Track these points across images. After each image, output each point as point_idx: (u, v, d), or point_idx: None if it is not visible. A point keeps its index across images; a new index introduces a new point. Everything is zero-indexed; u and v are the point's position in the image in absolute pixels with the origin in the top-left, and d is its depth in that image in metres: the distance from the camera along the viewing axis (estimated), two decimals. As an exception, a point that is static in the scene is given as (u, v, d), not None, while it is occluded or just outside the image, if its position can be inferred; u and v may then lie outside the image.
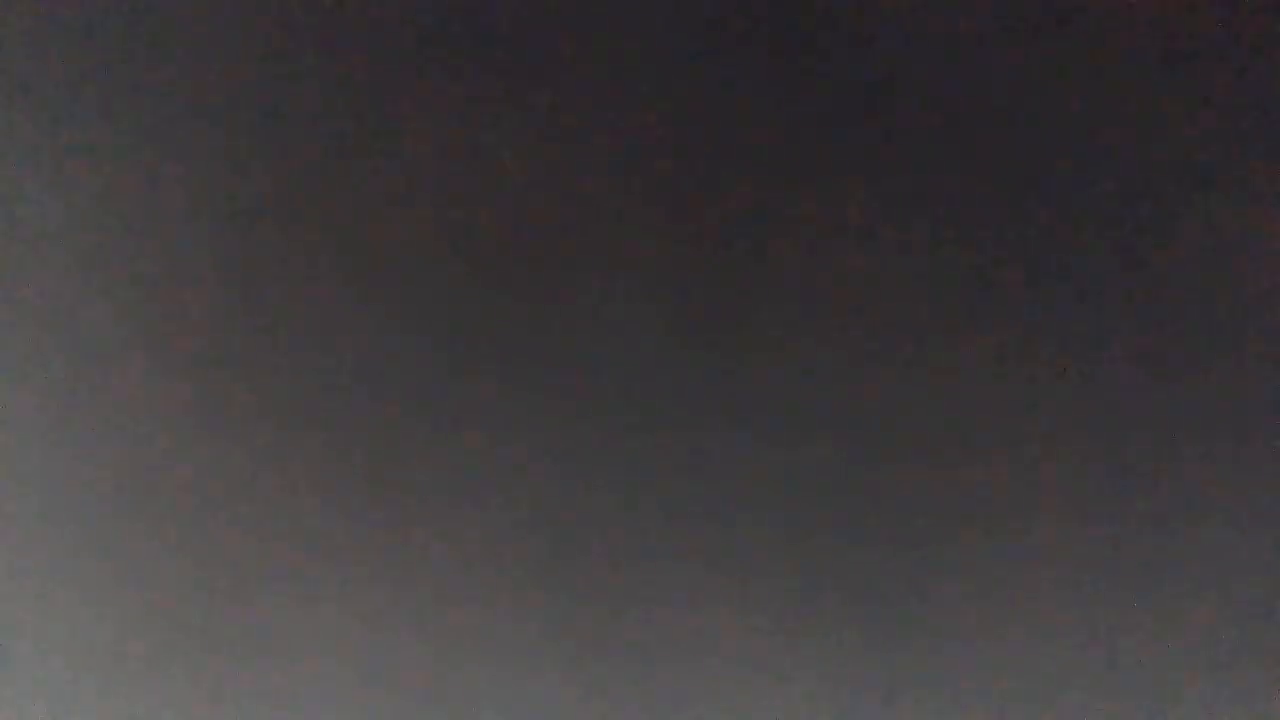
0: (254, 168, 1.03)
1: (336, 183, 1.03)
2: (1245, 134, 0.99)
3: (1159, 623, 0.98)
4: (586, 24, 1.02)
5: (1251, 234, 0.99)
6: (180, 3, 1.03)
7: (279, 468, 1.02)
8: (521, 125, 1.02)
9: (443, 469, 1.01)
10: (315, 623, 1.01)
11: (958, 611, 0.99)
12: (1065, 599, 0.99)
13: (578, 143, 1.02)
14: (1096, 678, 0.99)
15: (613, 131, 1.02)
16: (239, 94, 1.03)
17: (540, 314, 1.01)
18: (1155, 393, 0.99)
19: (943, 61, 1.00)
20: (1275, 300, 0.98)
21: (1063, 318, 0.99)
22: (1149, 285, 0.99)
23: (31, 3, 1.04)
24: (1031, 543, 0.99)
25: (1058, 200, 1.00)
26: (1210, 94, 0.99)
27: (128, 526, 1.02)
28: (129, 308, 1.02)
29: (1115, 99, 0.99)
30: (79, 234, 1.03)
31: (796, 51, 1.01)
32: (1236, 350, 0.98)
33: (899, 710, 0.99)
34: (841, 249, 1.00)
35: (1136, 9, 0.99)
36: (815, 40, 1.01)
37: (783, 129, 1.01)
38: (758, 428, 1.00)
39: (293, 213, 1.02)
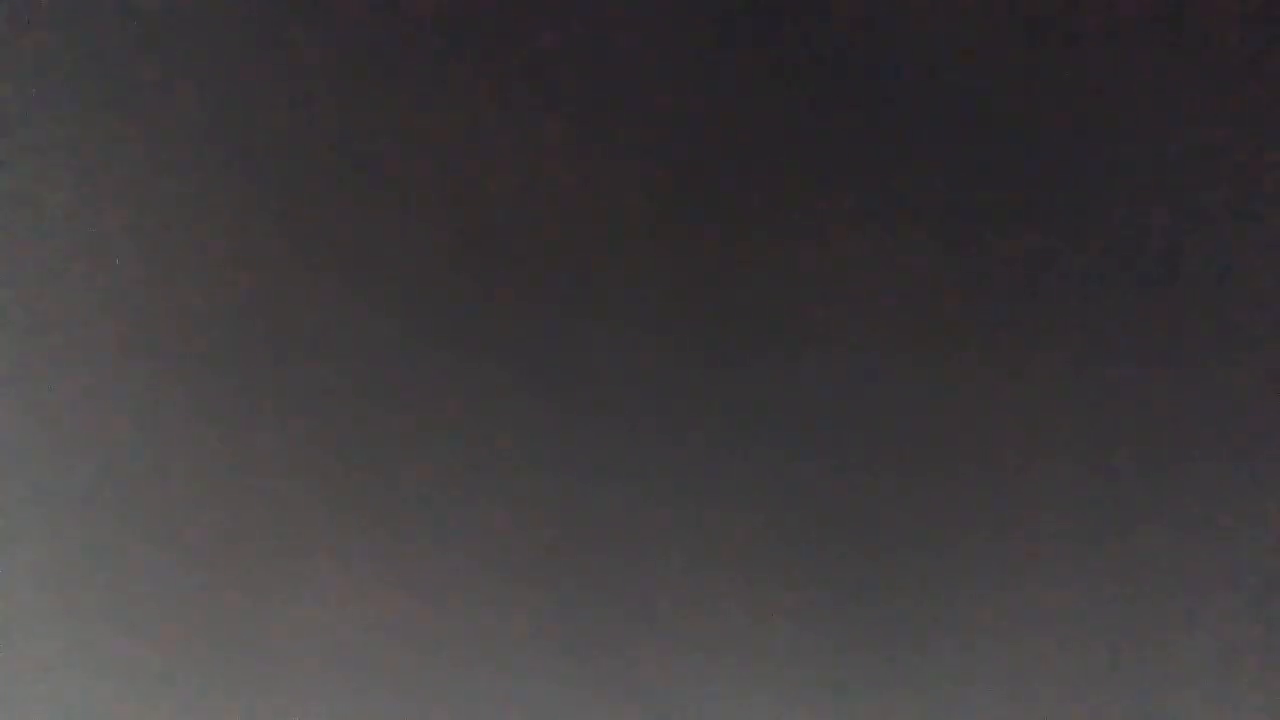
0: (255, 168, 1.03)
1: (338, 184, 1.03)
2: (1245, 134, 0.99)
3: (1160, 623, 0.98)
4: (587, 26, 1.02)
5: (1252, 234, 0.98)
6: (181, 3, 1.03)
7: (280, 468, 1.02)
8: (522, 128, 1.02)
9: (443, 469, 1.01)
10: (316, 623, 1.01)
11: (960, 612, 0.99)
12: (1067, 599, 0.99)
13: (577, 145, 1.02)
14: (1098, 678, 0.99)
15: (612, 133, 1.02)
16: (240, 94, 1.03)
17: (539, 315, 1.01)
18: (1156, 394, 0.99)
19: (944, 62, 1.00)
20: (1276, 300, 0.98)
21: (1063, 319, 0.99)
22: (1150, 286, 0.99)
23: (32, 4, 1.04)
24: (1033, 544, 0.99)
25: (1059, 201, 1.00)
26: (1211, 93, 0.99)
27: (128, 526, 1.02)
28: (129, 308, 1.02)
29: (1116, 99, 0.99)
30: (80, 233, 1.03)
31: (797, 53, 1.01)
32: (1238, 351, 0.98)
33: (900, 711, 0.99)
34: (842, 250, 1.00)
35: (1136, 9, 0.99)
36: (816, 41, 1.01)
37: (783, 130, 1.01)
38: (759, 428, 1.00)
39: (294, 214, 1.03)
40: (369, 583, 1.01)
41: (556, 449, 1.01)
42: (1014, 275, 0.99)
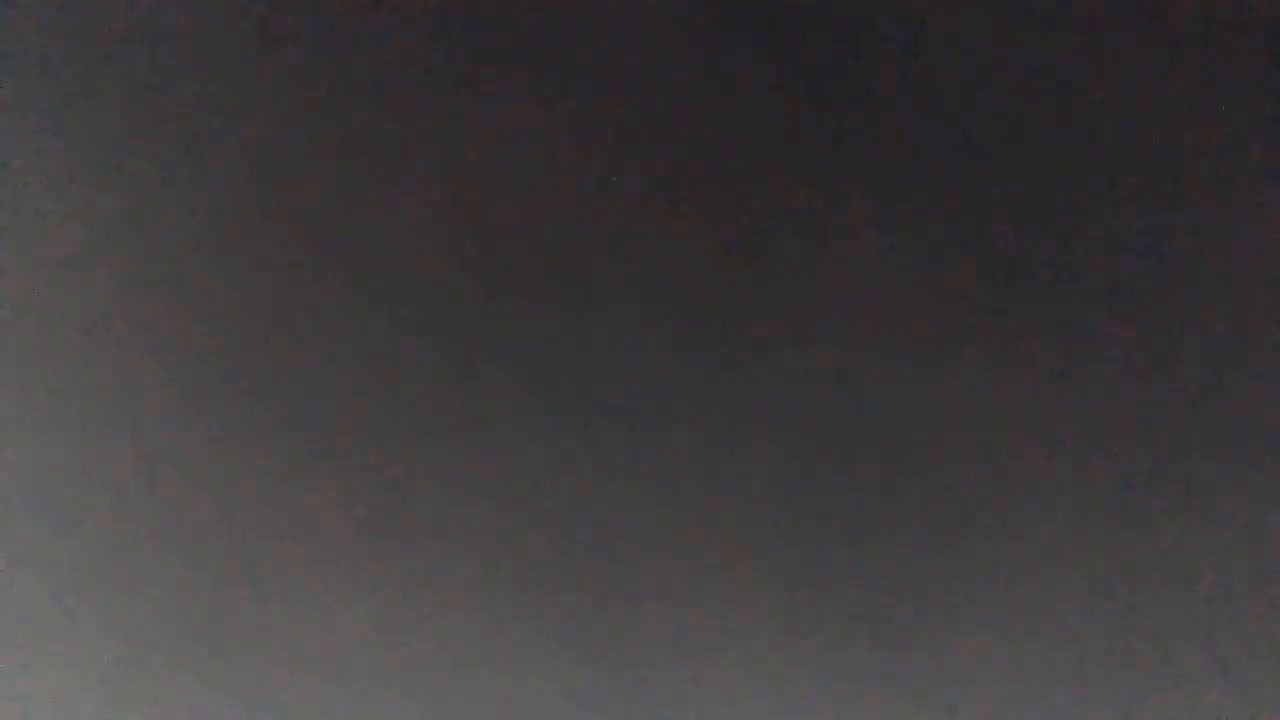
0: (256, 169, 1.03)
1: (339, 184, 1.03)
2: (1245, 134, 0.99)
3: (1160, 624, 0.98)
4: (589, 26, 1.02)
5: (1252, 234, 0.99)
6: (181, 3, 1.03)
7: (281, 468, 1.02)
8: (522, 127, 1.02)
9: (444, 470, 1.01)
10: (317, 624, 1.01)
11: (960, 613, 0.99)
12: (1067, 600, 0.99)
13: (578, 144, 1.02)
14: (1097, 679, 0.99)
15: (613, 133, 1.02)
16: (241, 94, 1.03)
17: (540, 315, 1.01)
18: (1155, 393, 0.99)
19: (943, 61, 1.00)
20: (1275, 300, 0.98)
21: (1064, 319, 0.99)
22: (1149, 286, 0.99)
23: (32, 4, 1.04)
24: (1034, 544, 0.99)
25: (1059, 201, 1.00)
26: (1211, 93, 0.99)
27: (127, 526, 1.02)
28: (129, 308, 1.02)
29: (1116, 99, 0.99)
30: (80, 234, 1.03)
31: (798, 52, 1.01)
32: (1238, 351, 0.98)
33: (901, 712, 0.99)
34: (842, 249, 1.00)
35: (1137, 9, 0.99)
36: (817, 41, 1.01)
37: (784, 129, 1.01)
38: (760, 428, 1.00)
39: (294, 214, 1.03)
40: (371, 583, 1.01)
41: (556, 449, 1.01)
42: (1014, 276, 0.99)
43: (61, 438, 1.02)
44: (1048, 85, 1.00)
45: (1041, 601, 0.99)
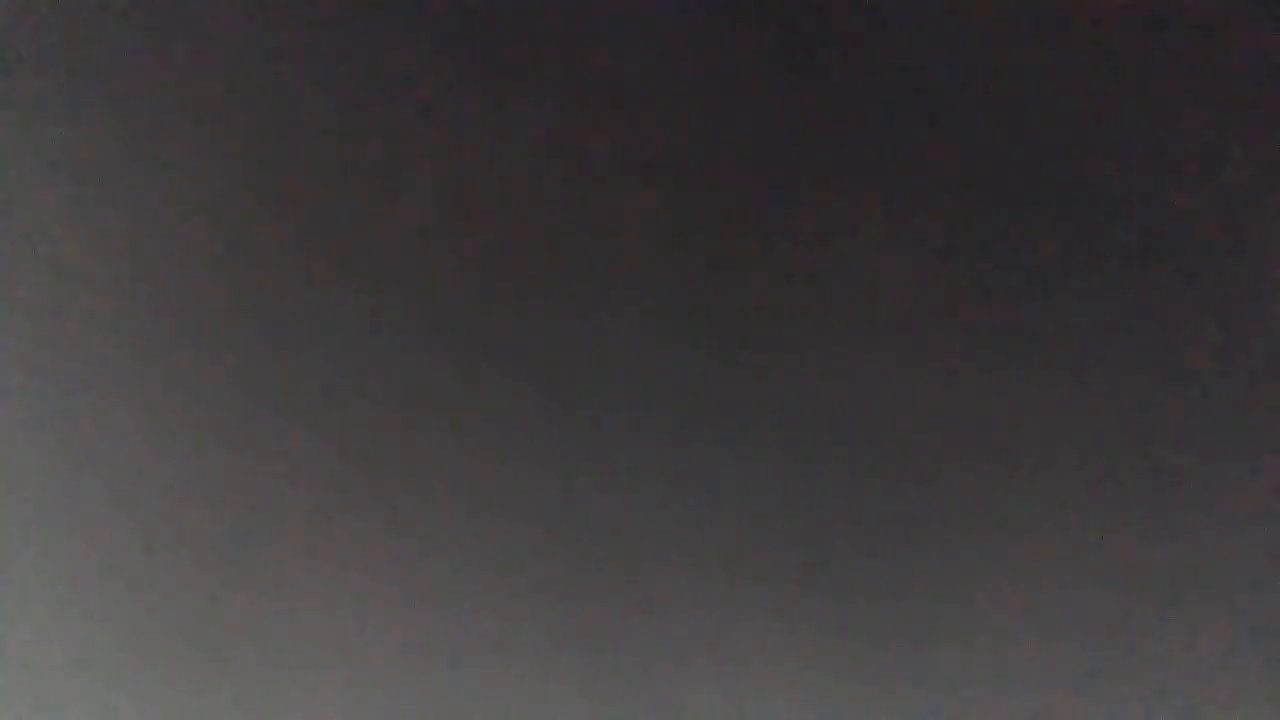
0: (255, 169, 1.03)
1: (339, 184, 1.03)
2: (1245, 134, 0.99)
3: (1161, 624, 0.98)
4: (588, 25, 1.02)
5: (1252, 234, 0.99)
6: (180, 3, 1.03)
7: (281, 469, 1.02)
8: (522, 127, 1.02)
9: (445, 471, 1.01)
10: (321, 628, 1.01)
11: (961, 613, 0.99)
12: (1067, 600, 0.99)
13: (578, 143, 1.02)
14: (1098, 679, 0.99)
15: (613, 132, 1.02)
16: (241, 94, 1.03)
17: (540, 316, 1.01)
18: (1156, 393, 0.99)
19: (944, 61, 1.00)
20: (1275, 300, 0.98)
21: (1064, 319, 0.99)
22: (1149, 285, 0.99)
23: (32, 5, 1.04)
24: (1034, 545, 0.99)
25: (1061, 202, 1.00)
26: (1210, 92, 0.99)
27: (126, 526, 1.02)
28: (128, 308, 1.03)
29: (1116, 99, 0.99)
30: (79, 233, 1.03)
31: (798, 52, 1.01)
32: (1237, 351, 0.98)
33: (905, 712, 0.99)
34: (843, 249, 1.00)
35: (1136, 9, 0.99)
36: (816, 40, 1.01)
37: (784, 129, 1.01)
38: (760, 429, 1.00)
39: (293, 214, 1.03)
40: (376, 587, 1.01)
41: (559, 451, 1.01)
42: (1016, 276, 0.99)
43: (61, 437, 1.02)
44: (1053, 86, 1.00)
45: (1042, 602, 0.99)
